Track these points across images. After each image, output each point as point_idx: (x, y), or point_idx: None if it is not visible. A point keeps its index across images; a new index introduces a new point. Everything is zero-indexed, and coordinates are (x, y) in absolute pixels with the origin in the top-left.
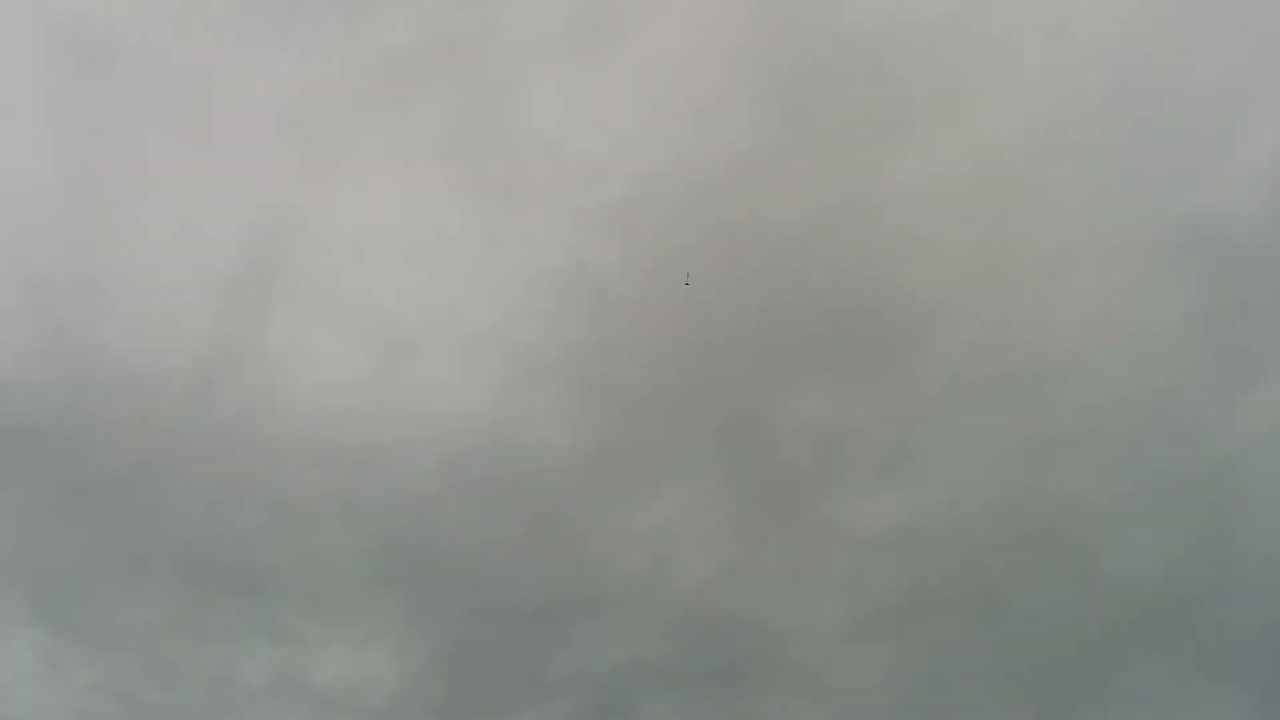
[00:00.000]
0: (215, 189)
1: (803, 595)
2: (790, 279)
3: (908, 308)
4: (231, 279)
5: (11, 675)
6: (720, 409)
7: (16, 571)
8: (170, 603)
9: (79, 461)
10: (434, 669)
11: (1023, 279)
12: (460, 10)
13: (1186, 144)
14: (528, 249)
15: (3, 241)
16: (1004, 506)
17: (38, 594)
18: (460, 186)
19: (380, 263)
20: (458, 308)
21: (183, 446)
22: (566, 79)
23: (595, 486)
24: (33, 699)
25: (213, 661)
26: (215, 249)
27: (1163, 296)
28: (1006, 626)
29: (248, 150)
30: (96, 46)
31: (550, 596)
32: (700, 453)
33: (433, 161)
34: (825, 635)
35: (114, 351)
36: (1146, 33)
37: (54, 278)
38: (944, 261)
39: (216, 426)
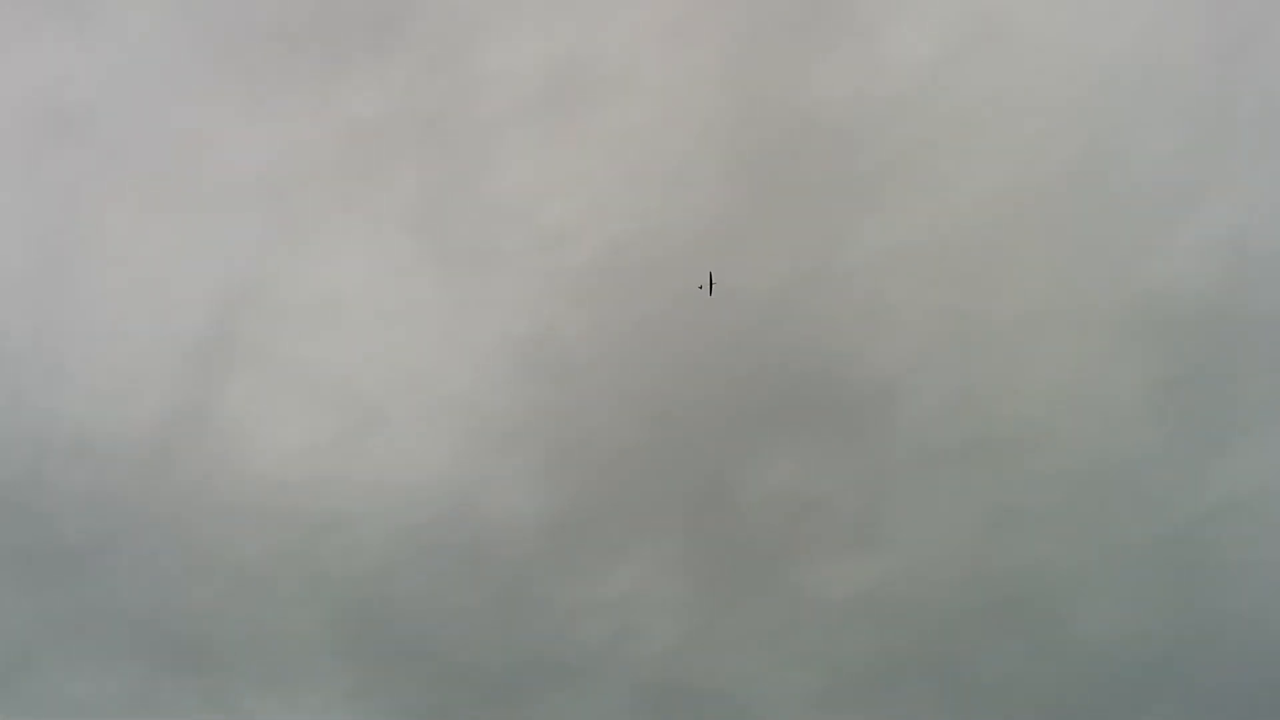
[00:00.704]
0: (180, 254)
1: (770, 664)
2: (756, 347)
3: (873, 376)
4: (194, 345)
5: None
6: (686, 476)
7: None
8: (123, 676)
9: (31, 529)
10: None
11: (987, 348)
12: (431, 80)
13: (1143, 217)
14: (495, 316)
15: None
16: (971, 574)
17: None
18: (429, 254)
19: (346, 329)
20: (423, 375)
21: (139, 515)
22: (536, 148)
23: (559, 554)
24: None
25: None
26: (178, 315)
27: (1124, 367)
28: (974, 695)
29: (215, 216)
30: (62, 111)
31: (512, 666)
32: (665, 520)
33: (401, 229)
34: (793, 704)
35: (71, 418)
36: (1108, 106)
37: (13, 342)
38: (909, 330)
39: (174, 494)
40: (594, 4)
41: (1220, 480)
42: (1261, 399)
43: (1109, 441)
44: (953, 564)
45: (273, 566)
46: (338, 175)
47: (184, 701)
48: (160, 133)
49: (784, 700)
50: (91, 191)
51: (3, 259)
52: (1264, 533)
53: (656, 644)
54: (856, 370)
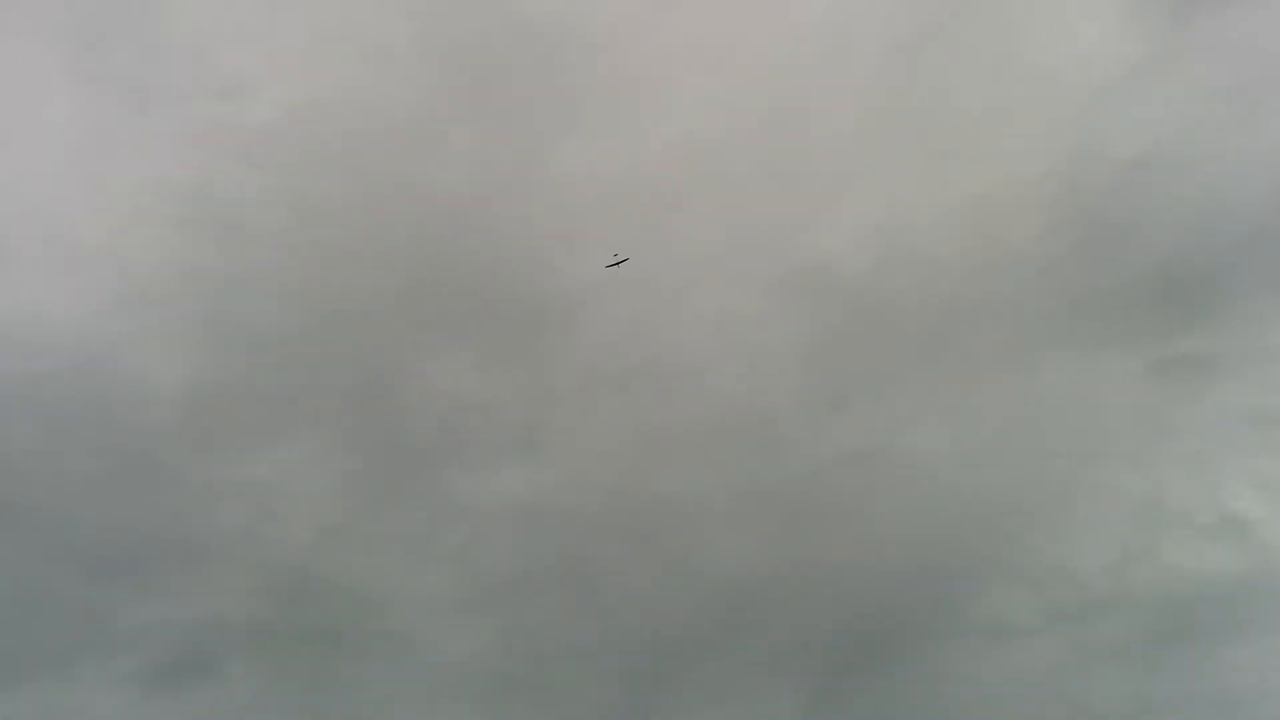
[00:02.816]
0: None
1: (411, 566)
2: (441, 248)
3: (552, 294)
4: None
5: None
6: (348, 369)
7: None
8: None
9: None
10: None
11: (660, 284)
12: None
13: (812, 193)
14: (150, 159)
15: None
16: (616, 496)
17: None
18: (75, 74)
19: None
20: (58, 213)
21: None
22: None
23: (200, 430)
24: None
25: None
26: None
27: (776, 325)
28: (605, 610)
29: None
30: None
31: (132, 542)
32: (321, 410)
33: (45, 40)
34: (429, 607)
35: None
36: (795, 78)
37: None
38: (591, 255)
39: None
40: None
41: (840, 435)
42: (883, 370)
43: (753, 389)
44: (601, 483)
45: None
46: None
47: None
48: None
49: (421, 602)
50: None
51: None
52: (872, 484)
53: (296, 534)
54: (537, 286)
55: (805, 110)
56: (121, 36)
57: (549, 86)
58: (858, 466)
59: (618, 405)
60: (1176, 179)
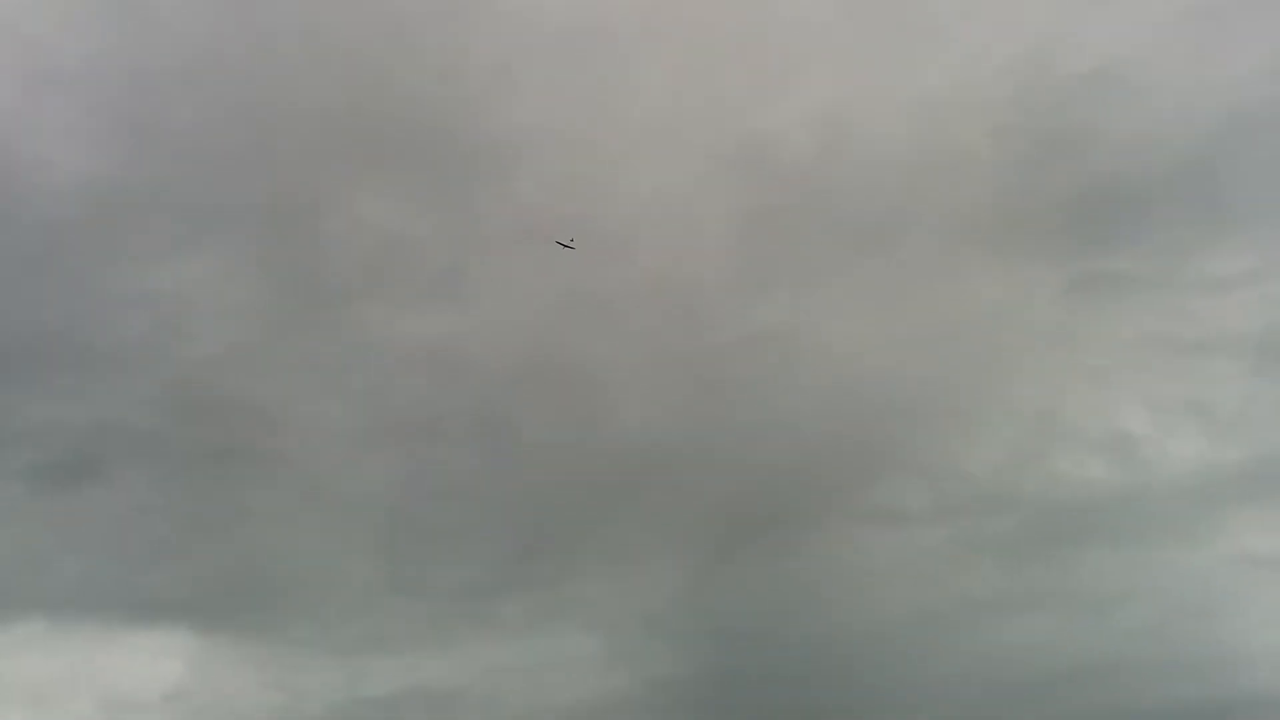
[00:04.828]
0: None
1: (317, 396)
2: (379, 74)
3: (489, 138)
4: None
5: None
6: (268, 186)
7: None
8: None
9: None
10: None
11: (604, 141)
12: None
13: (761, 72)
14: None
15: None
16: (532, 350)
17: None
18: None
19: None
20: None
21: None
22: None
23: (109, 230)
24: None
25: None
26: None
27: (711, 201)
28: (510, 462)
29: None
30: None
31: (27, 340)
32: (237, 223)
33: None
34: (332, 439)
35: None
36: None
37: None
38: (535, 99)
39: None
40: None
41: (761, 315)
42: (811, 257)
43: (680, 260)
44: (519, 336)
45: None
46: None
47: None
48: None
49: (325, 433)
50: None
51: None
52: (785, 365)
53: (200, 349)
54: (475, 127)
55: None
56: None
57: None
58: (773, 347)
59: (543, 261)
60: (1125, 100)
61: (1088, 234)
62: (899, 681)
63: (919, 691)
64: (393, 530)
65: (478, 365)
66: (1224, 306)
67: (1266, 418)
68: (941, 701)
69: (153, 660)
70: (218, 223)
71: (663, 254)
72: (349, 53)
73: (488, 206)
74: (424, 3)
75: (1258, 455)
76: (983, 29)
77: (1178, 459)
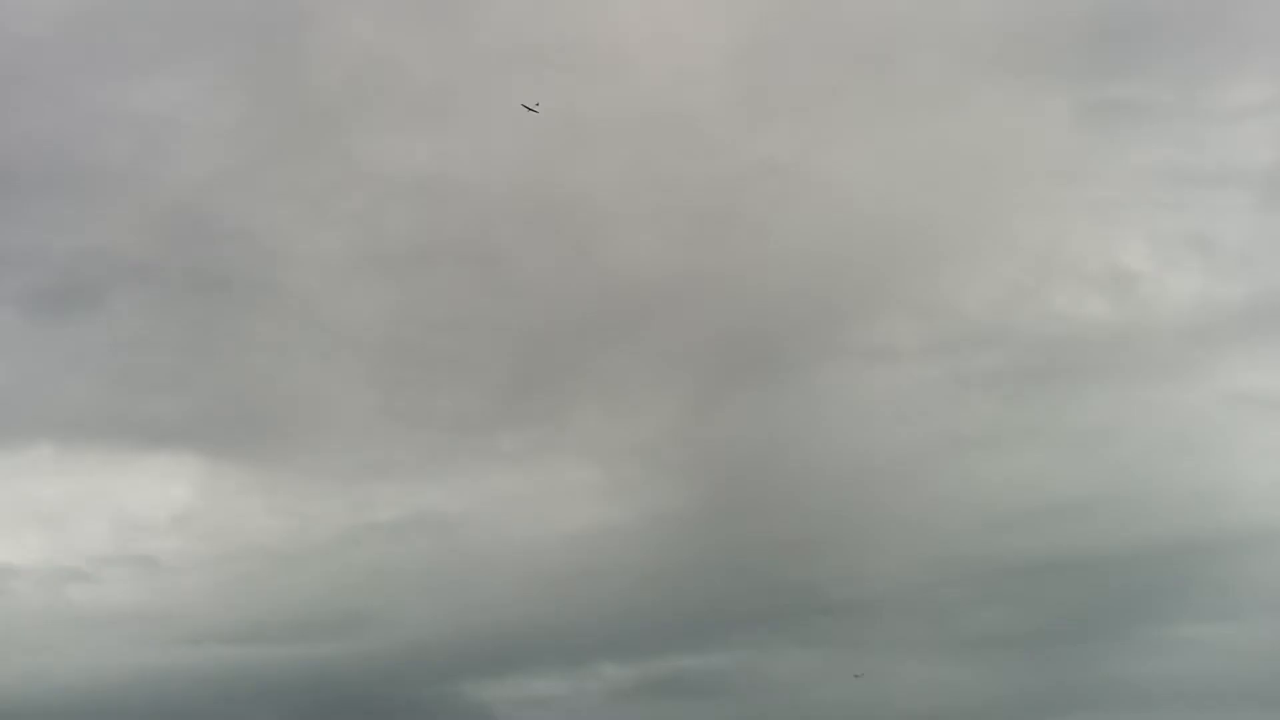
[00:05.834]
0: None
1: (307, 223)
2: None
3: None
4: None
5: None
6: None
7: None
8: None
9: None
10: None
11: None
12: None
13: None
14: None
15: None
16: (525, 176)
17: None
18: None
19: None
20: None
21: None
22: None
23: (83, 45)
24: None
25: None
26: None
27: (713, 23)
28: (504, 291)
29: None
30: None
31: (4, 159)
32: (216, 42)
33: None
34: (324, 267)
35: None
36: None
37: None
38: None
39: None
40: None
41: (760, 145)
42: (814, 85)
43: (679, 85)
44: (511, 162)
45: None
46: None
47: None
48: None
49: (316, 261)
50: None
51: None
52: (783, 197)
53: (186, 172)
54: None
55: None
56: None
57: None
58: (772, 178)
59: (539, 84)
60: None
61: (1099, 59)
62: (888, 514)
63: (908, 524)
64: (389, 360)
65: (469, 191)
66: (1236, 137)
67: (1269, 255)
68: (928, 533)
69: (161, 484)
70: (196, 37)
71: (659, 77)
72: None
73: (478, 22)
74: None
75: (1257, 292)
76: None
77: (1176, 295)
